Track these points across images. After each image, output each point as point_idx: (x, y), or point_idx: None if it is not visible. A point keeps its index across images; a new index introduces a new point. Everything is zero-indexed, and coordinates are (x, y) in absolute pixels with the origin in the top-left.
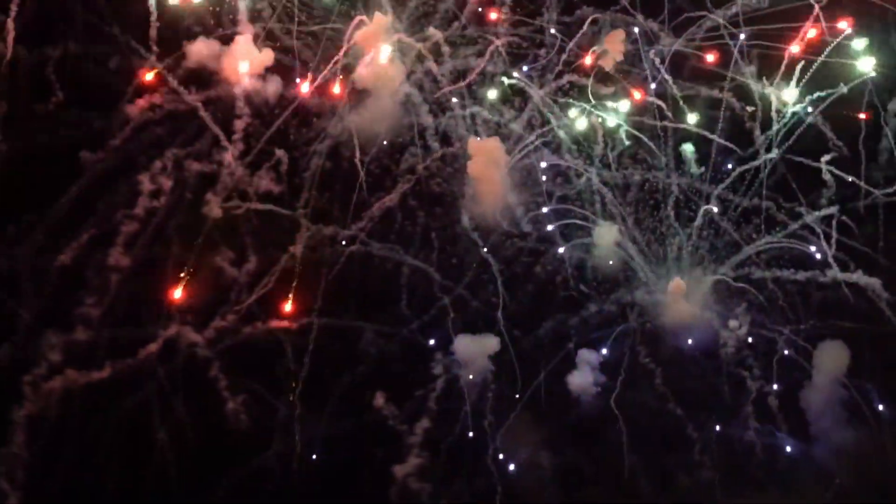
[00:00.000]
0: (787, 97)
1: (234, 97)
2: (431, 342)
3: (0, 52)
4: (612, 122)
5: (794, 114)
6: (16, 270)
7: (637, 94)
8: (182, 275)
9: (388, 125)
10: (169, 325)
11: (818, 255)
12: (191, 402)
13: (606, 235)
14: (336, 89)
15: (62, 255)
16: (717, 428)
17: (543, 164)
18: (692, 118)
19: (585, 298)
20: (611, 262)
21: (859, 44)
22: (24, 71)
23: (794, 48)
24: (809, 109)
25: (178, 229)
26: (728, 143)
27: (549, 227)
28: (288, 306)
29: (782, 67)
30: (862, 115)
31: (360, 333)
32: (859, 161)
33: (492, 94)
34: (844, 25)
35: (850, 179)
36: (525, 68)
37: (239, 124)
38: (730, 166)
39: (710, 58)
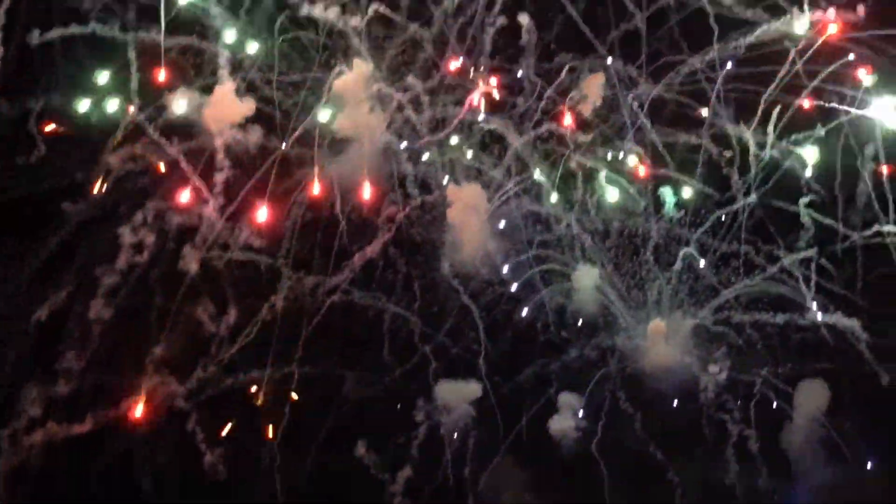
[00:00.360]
0: (809, 157)
1: (216, 148)
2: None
3: None
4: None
5: (771, 157)
6: None
7: (642, 170)
8: (141, 390)
9: (368, 174)
10: (151, 377)
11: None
12: (173, 452)
13: (586, 278)
14: (315, 189)
15: (43, 307)
16: (699, 471)
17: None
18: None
19: (566, 343)
20: (591, 307)
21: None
22: (5, 123)
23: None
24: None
25: (159, 280)
26: (706, 188)
27: (529, 273)
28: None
29: (758, 113)
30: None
31: (342, 381)
32: (837, 204)
33: (455, 139)
34: (864, 75)
35: (827, 222)
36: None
37: (220, 176)
38: (721, 215)
39: (704, 112)
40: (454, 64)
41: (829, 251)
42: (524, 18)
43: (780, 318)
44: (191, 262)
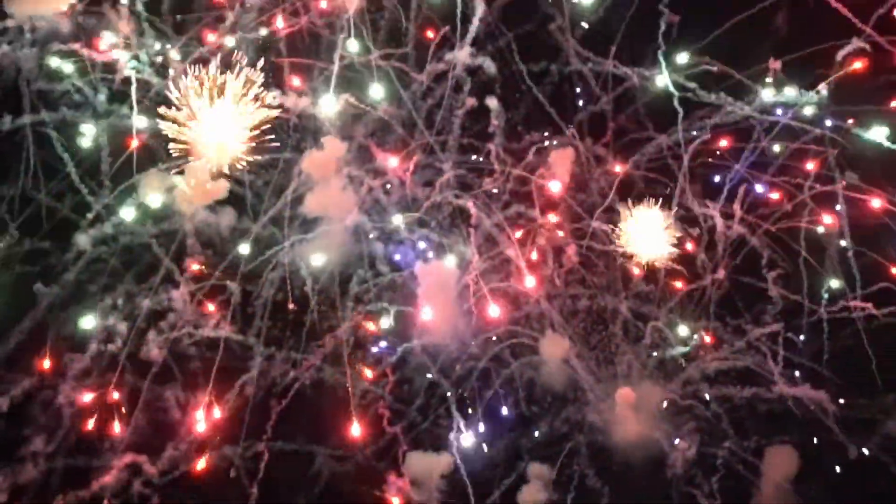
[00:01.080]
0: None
1: (187, 231)
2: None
3: None
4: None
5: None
6: None
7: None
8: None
9: (338, 253)
10: (122, 456)
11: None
12: None
13: (554, 347)
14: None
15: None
16: None
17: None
18: None
19: (536, 417)
20: (560, 380)
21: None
22: None
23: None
24: None
25: (130, 360)
26: (676, 266)
27: (498, 348)
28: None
29: (724, 192)
30: None
31: (313, 458)
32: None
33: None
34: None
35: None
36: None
37: (192, 256)
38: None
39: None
40: (393, 160)
41: (796, 324)
42: (492, 102)
43: (748, 392)
44: (158, 347)
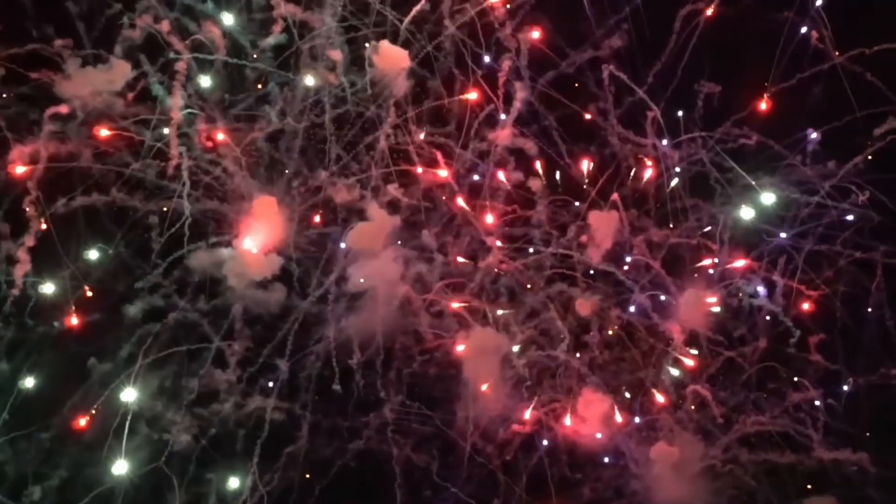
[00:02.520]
0: None
1: (236, 308)
2: None
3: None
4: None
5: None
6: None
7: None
8: None
9: (384, 328)
10: None
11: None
12: None
13: (593, 408)
14: None
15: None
16: None
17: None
18: None
19: (579, 483)
20: (601, 441)
21: None
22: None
23: None
24: None
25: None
26: (716, 336)
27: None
28: None
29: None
30: None
31: None
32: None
33: None
34: None
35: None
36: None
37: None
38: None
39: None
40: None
41: (835, 391)
42: (536, 183)
43: (788, 457)
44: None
